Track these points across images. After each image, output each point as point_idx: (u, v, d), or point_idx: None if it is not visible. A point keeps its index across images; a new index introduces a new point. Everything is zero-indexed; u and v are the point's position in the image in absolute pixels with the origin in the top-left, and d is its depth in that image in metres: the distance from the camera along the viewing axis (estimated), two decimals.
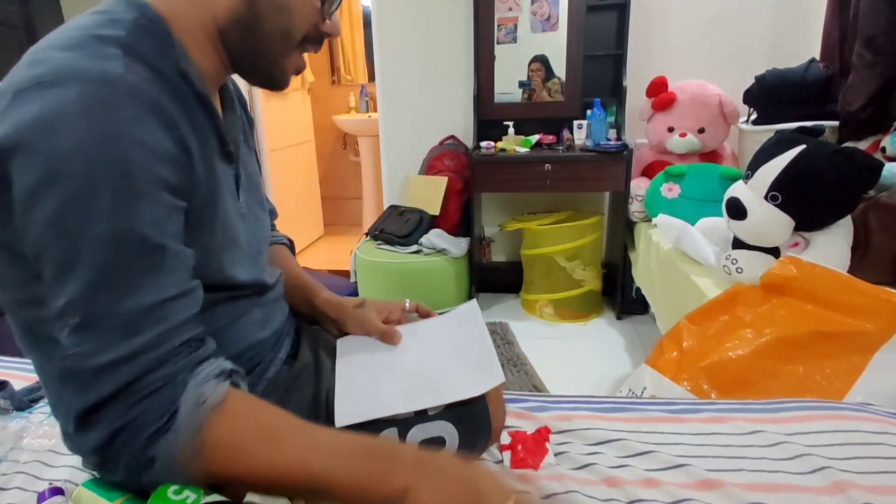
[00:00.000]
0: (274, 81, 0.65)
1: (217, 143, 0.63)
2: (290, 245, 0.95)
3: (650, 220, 2.15)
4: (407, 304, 0.87)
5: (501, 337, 2.23)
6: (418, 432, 0.69)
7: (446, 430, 0.70)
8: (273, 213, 0.95)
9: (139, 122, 0.48)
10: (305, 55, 0.67)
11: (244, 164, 0.74)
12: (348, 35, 3.83)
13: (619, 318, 2.39)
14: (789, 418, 0.81)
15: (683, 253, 1.76)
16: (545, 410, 0.88)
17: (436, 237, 2.37)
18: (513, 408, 0.89)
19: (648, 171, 2.28)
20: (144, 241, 0.48)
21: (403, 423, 0.69)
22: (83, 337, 0.48)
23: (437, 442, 0.70)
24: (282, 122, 3.22)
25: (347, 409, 0.67)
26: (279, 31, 0.60)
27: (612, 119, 2.34)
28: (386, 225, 2.48)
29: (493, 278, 2.70)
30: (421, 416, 0.70)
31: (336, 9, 0.65)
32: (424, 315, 0.86)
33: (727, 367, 1.12)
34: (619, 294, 2.38)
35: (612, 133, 2.30)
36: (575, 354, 2.12)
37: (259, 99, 2.96)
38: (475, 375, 0.69)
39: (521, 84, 2.44)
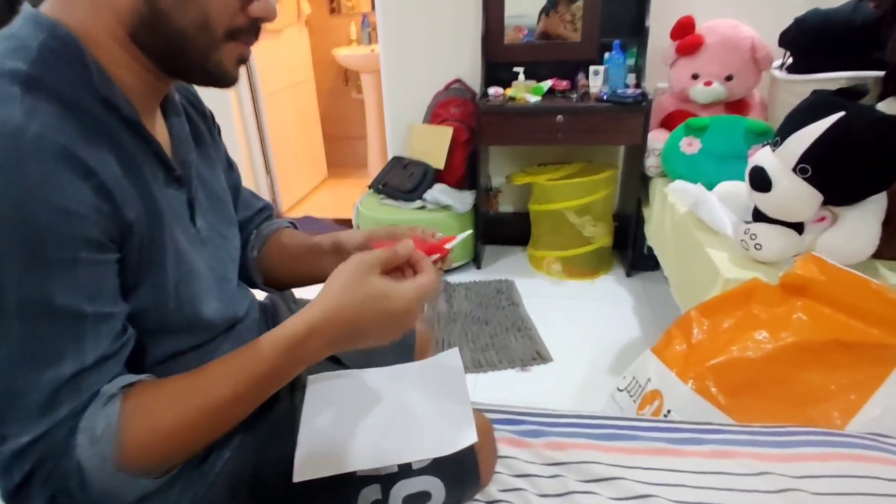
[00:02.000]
0: (214, 78, 0.57)
1: (161, 169, 0.58)
2: (294, 226, 0.90)
3: (667, 176, 2.03)
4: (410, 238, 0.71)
5: (507, 297, 2.19)
6: (402, 488, 0.66)
7: (432, 484, 0.67)
8: (267, 209, 0.89)
9: (45, 179, 0.43)
10: None
11: (202, 183, 0.67)
12: None
13: (628, 274, 2.33)
14: (799, 456, 0.77)
15: (699, 219, 1.66)
16: (540, 436, 0.85)
17: (440, 193, 2.27)
18: (505, 432, 0.86)
19: (668, 122, 2.12)
20: (58, 311, 0.45)
21: (387, 479, 0.67)
22: (2, 417, 0.46)
23: (423, 497, 0.67)
24: (278, 60, 3.02)
25: (308, 464, 0.63)
26: (193, 26, 0.52)
27: (632, 62, 2.14)
28: (389, 178, 2.38)
29: (500, 230, 2.62)
30: (405, 470, 0.67)
31: None
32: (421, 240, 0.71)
33: (737, 368, 1.07)
34: (631, 249, 2.30)
35: (632, 78, 2.11)
36: (582, 315, 2.08)
37: None
38: (446, 435, 0.65)
39: None
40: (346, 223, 2.95)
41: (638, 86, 2.12)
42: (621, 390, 1.33)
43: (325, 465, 0.62)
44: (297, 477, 0.62)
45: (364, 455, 0.63)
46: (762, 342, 1.06)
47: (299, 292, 0.90)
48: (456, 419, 0.65)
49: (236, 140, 2.81)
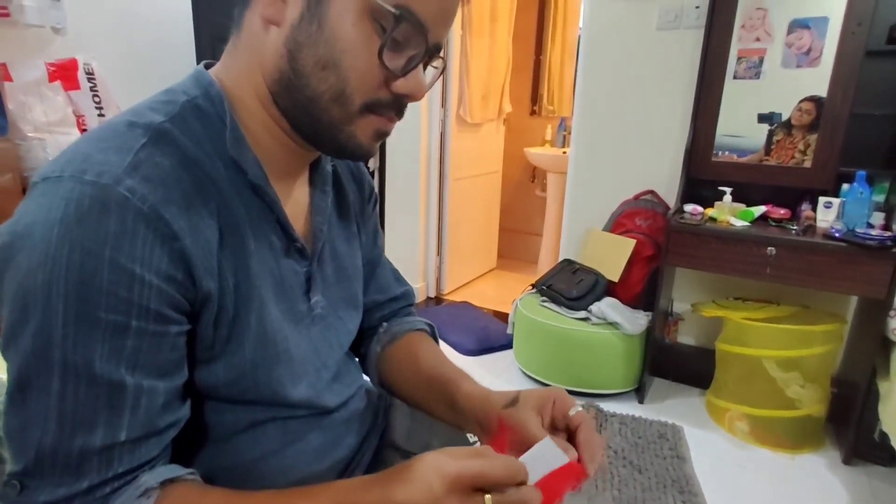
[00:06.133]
0: (345, 150, 0.52)
1: (281, 237, 0.55)
2: (432, 330, 0.77)
3: None
4: (577, 408, 0.54)
5: (671, 446, 1.82)
6: None
7: None
8: (405, 298, 0.79)
9: (120, 236, 0.42)
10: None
11: (333, 255, 0.63)
12: (558, 63, 3.65)
13: (847, 462, 1.77)
14: None
15: None
16: None
17: (609, 307, 2.04)
18: None
19: None
20: (97, 377, 0.42)
21: None
22: (24, 469, 0.43)
23: None
24: (472, 150, 3.17)
25: None
26: (329, 93, 0.48)
27: (880, 199, 1.74)
28: (555, 281, 2.23)
29: (674, 363, 2.26)
30: None
31: (413, 67, 0.49)
32: (584, 437, 0.51)
33: None
34: (854, 429, 1.76)
35: (878, 218, 1.71)
36: (771, 497, 1.61)
37: (451, 129, 2.95)
38: None
39: (764, 118, 1.94)
40: (504, 317, 2.84)
41: (887, 227, 1.70)
42: None
43: None
44: None
45: None
46: None
47: None
48: None
49: (417, 216, 2.95)
